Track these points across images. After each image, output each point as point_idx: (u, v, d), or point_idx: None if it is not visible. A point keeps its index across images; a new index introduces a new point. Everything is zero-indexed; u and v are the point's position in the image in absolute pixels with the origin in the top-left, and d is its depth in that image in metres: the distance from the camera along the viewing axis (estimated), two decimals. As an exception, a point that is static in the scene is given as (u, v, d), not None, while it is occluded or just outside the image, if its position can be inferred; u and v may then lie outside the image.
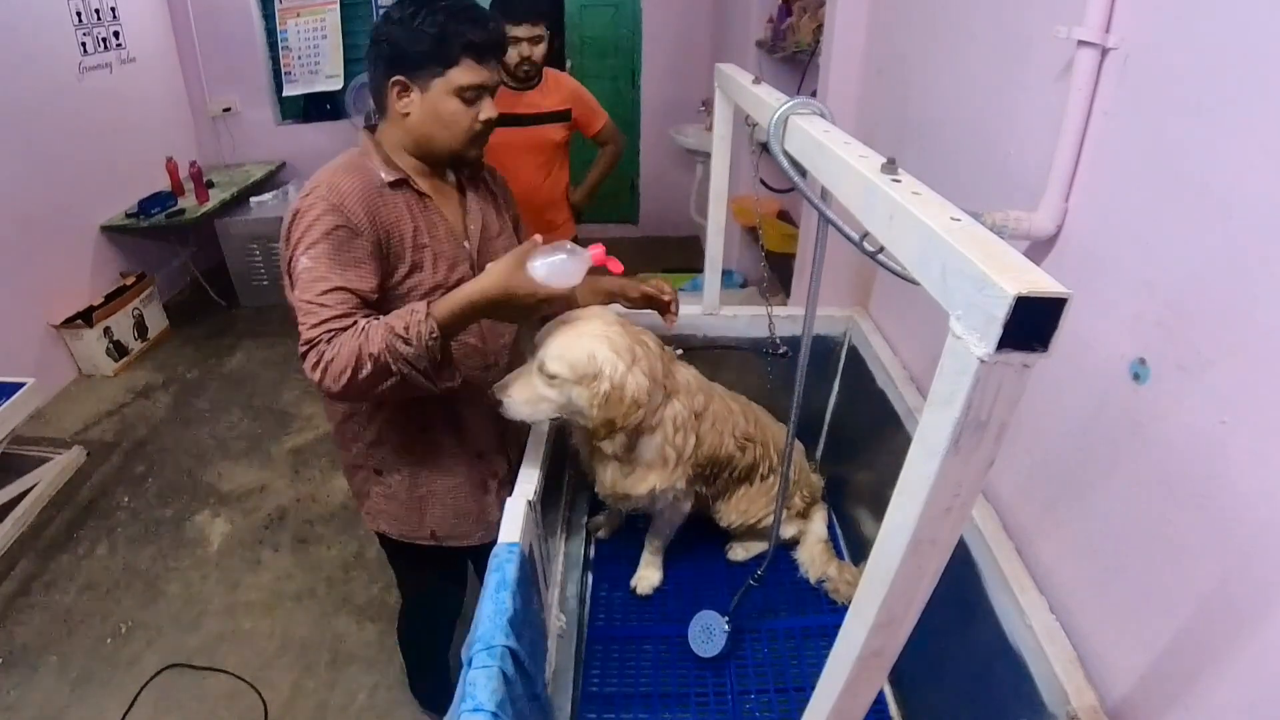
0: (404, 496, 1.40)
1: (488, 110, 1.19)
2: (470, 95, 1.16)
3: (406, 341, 1.01)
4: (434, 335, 1.03)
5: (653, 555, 1.69)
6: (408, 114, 1.17)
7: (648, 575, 1.69)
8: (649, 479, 1.40)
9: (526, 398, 1.25)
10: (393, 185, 1.18)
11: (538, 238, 1.12)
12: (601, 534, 1.84)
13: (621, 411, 1.24)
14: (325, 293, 1.06)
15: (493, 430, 1.41)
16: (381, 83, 1.17)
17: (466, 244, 1.28)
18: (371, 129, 1.25)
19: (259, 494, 2.69)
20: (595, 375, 1.22)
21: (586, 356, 1.23)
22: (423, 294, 1.20)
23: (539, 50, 2.20)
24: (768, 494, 1.64)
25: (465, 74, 1.14)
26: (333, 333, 1.03)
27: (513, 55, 2.16)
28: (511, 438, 1.45)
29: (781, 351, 1.72)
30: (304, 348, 1.05)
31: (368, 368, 1.01)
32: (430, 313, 1.03)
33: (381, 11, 1.19)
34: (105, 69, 3.64)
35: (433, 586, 1.65)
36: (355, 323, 1.04)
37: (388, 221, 1.16)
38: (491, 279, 1.05)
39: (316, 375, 1.03)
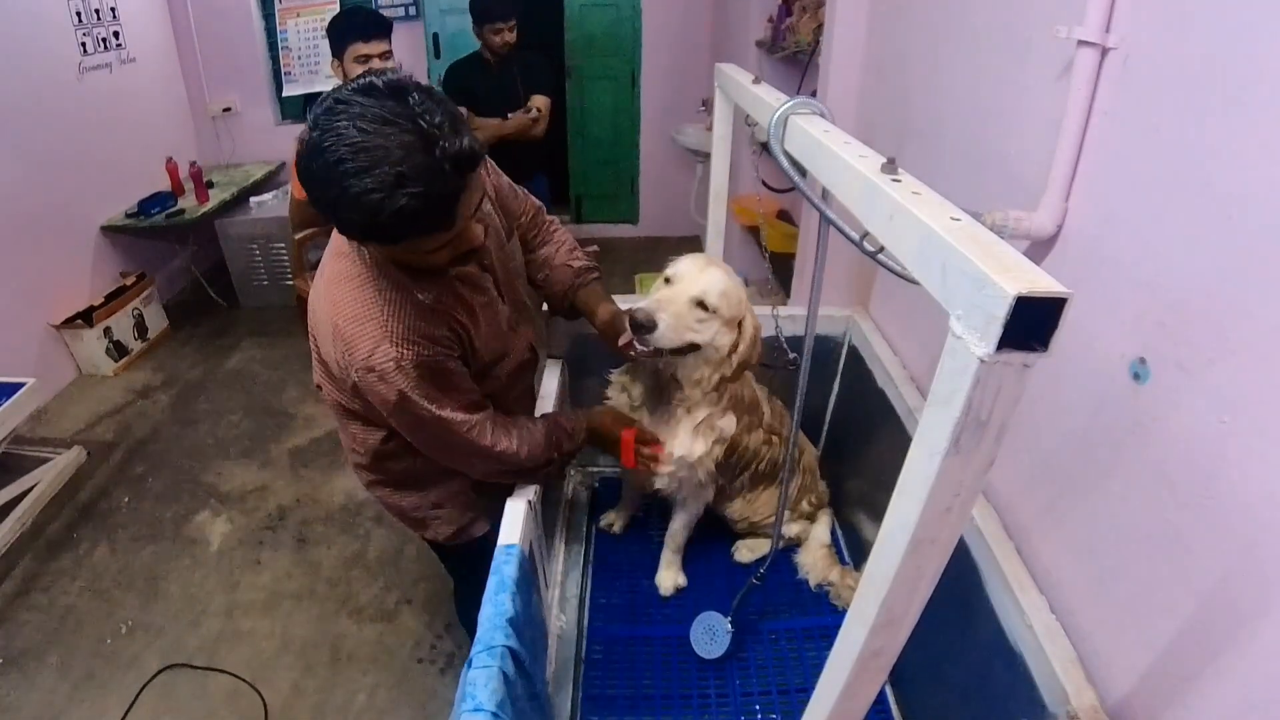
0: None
1: (475, 235, 0.99)
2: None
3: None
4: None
5: (673, 555, 1.68)
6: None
7: (669, 575, 1.67)
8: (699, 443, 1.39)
9: (676, 325, 1.20)
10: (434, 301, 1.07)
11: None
12: (616, 528, 1.83)
13: (755, 354, 1.31)
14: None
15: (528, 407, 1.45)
16: (347, 232, 0.96)
17: (490, 277, 1.21)
18: None
19: (259, 494, 2.69)
20: (742, 318, 1.28)
21: (739, 299, 1.27)
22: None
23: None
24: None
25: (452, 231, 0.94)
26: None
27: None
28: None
29: (791, 358, 1.71)
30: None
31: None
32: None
33: (333, 152, 0.80)
34: (105, 69, 3.63)
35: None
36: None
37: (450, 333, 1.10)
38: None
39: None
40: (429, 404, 1.06)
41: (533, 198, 1.40)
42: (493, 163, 1.30)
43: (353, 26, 2.12)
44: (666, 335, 1.19)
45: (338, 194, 0.82)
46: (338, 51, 2.15)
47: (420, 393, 1.04)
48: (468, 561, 1.52)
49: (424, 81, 0.91)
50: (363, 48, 2.10)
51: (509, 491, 1.35)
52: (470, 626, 1.80)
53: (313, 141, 0.82)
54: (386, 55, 2.16)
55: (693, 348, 1.26)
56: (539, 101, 2.87)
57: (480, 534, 1.42)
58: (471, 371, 1.17)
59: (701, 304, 1.22)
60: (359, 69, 2.11)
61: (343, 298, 1.02)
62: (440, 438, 1.14)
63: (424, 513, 1.37)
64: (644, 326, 1.17)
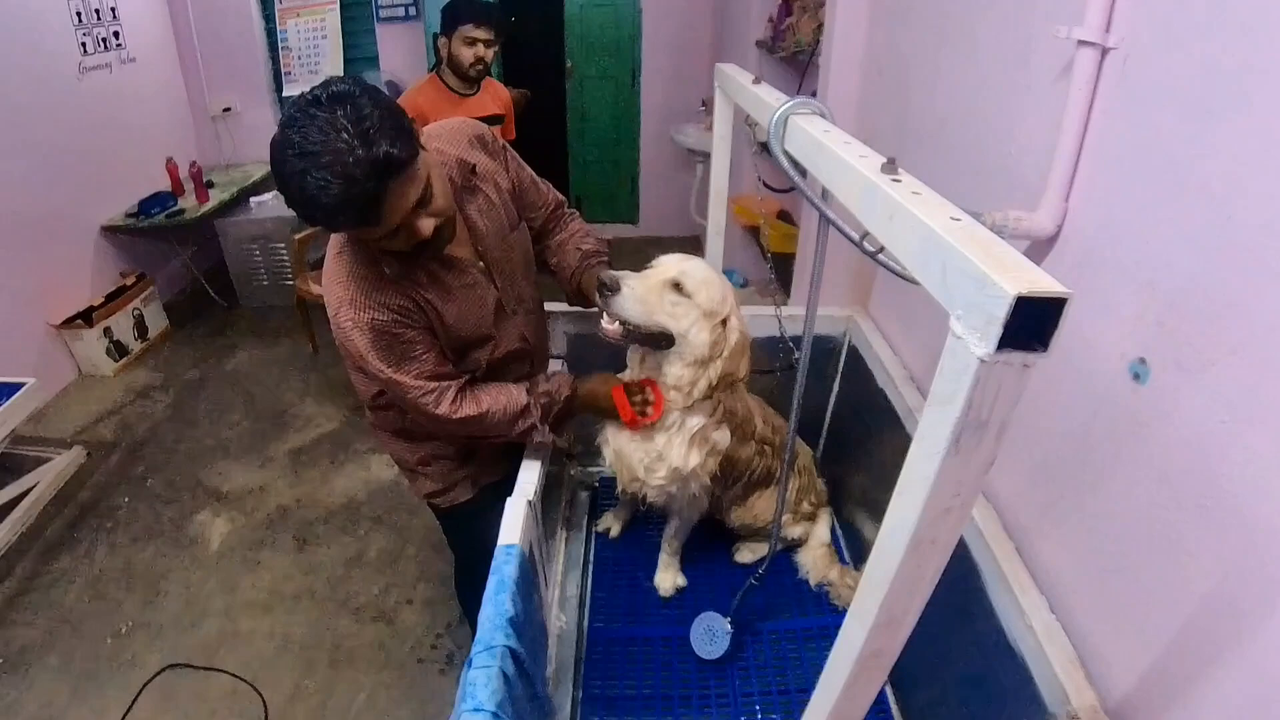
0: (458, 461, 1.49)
1: (422, 229, 1.05)
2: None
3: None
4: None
5: (670, 557, 1.69)
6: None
7: (668, 577, 1.68)
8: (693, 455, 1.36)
9: (643, 297, 1.16)
10: (398, 273, 1.15)
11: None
12: (613, 532, 1.83)
13: (743, 365, 1.25)
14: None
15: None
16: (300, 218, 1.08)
17: (481, 264, 1.26)
18: None
19: (259, 494, 2.69)
20: (723, 317, 1.22)
21: (723, 294, 1.22)
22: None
23: (491, 52, 2.43)
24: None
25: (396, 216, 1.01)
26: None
27: (469, 55, 2.37)
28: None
29: (795, 358, 1.69)
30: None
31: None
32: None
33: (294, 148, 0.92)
34: (105, 69, 3.63)
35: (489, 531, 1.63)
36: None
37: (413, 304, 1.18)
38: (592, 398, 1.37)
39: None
40: (384, 365, 1.16)
41: (556, 191, 1.45)
42: (518, 157, 1.37)
43: (470, 10, 2.32)
44: (629, 303, 1.16)
45: (284, 187, 0.96)
46: (448, 30, 2.33)
47: (375, 354, 1.15)
48: (461, 530, 1.64)
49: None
50: (473, 31, 2.31)
51: (496, 462, 1.40)
52: (465, 603, 1.85)
53: (274, 142, 0.96)
54: (490, 43, 2.36)
55: (667, 339, 1.22)
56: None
57: (465, 499, 1.49)
58: (445, 345, 1.24)
59: (678, 286, 1.19)
60: (466, 49, 2.35)
61: (329, 262, 1.19)
62: (402, 398, 1.22)
63: (412, 465, 1.47)
64: (608, 287, 1.16)
